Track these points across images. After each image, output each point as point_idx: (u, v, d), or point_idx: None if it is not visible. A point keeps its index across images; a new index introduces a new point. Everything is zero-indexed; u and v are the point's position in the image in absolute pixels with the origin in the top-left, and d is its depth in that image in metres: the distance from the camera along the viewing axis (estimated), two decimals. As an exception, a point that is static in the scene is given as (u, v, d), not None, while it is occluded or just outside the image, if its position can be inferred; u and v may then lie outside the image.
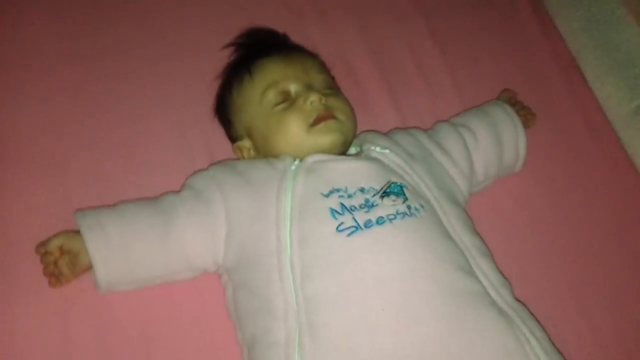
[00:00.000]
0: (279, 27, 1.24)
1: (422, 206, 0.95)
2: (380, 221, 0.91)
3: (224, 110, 1.14)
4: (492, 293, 0.92)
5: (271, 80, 1.05)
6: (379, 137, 1.09)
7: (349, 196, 0.93)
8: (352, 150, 1.08)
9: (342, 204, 0.92)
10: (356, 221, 0.90)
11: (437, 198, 1.00)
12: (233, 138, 1.13)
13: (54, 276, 0.96)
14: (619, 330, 1.10)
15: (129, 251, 0.95)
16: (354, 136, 1.08)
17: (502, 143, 1.15)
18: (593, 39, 1.29)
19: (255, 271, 0.92)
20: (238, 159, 1.11)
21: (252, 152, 1.09)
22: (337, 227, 0.90)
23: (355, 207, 0.92)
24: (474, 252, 0.96)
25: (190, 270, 0.99)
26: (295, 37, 1.23)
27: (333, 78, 1.16)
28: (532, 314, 0.94)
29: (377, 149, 1.04)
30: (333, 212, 0.91)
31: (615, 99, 1.26)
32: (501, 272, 0.97)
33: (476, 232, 1.01)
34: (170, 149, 1.17)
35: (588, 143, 1.29)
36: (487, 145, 1.14)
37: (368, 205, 0.92)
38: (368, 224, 0.90)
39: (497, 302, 0.91)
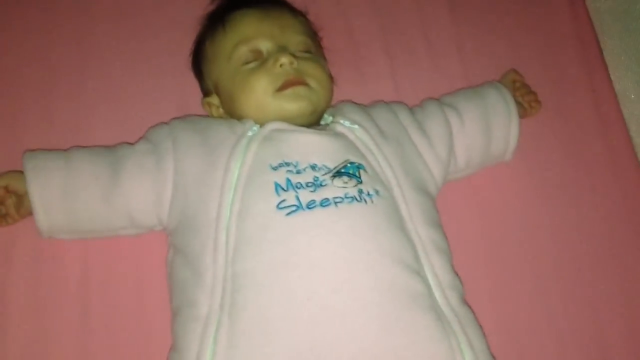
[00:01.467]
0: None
1: (377, 192, 0.88)
2: (324, 203, 0.84)
3: (197, 62, 1.09)
4: (437, 294, 0.85)
5: (243, 35, 0.98)
6: (355, 109, 1.01)
7: (298, 172, 0.87)
8: (329, 119, 1.01)
9: (288, 180, 0.86)
10: (299, 200, 0.84)
11: (401, 184, 0.92)
12: (204, 92, 1.08)
13: (0, 215, 0.94)
14: (584, 348, 1.01)
15: (71, 202, 0.92)
16: (327, 106, 1.01)
17: (491, 130, 1.05)
18: (619, 24, 1.15)
19: (192, 238, 0.88)
20: (207, 114, 1.06)
21: (220, 110, 1.03)
22: (277, 204, 0.84)
23: (302, 185, 0.86)
24: (428, 247, 0.89)
25: (134, 227, 0.96)
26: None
27: (318, 40, 1.08)
28: (477, 321, 0.87)
29: (346, 123, 0.96)
30: (277, 187, 0.85)
31: (632, 95, 1.13)
32: (454, 272, 0.90)
33: (438, 225, 0.94)
34: (143, 100, 1.13)
35: (595, 140, 1.16)
36: (474, 131, 1.04)
37: (315, 184, 0.86)
38: (310, 205, 0.84)
39: (440, 305, 0.84)
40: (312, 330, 0.78)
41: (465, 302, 0.88)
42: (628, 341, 1.01)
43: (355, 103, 1.04)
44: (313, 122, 0.98)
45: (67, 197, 0.92)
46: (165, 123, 1.01)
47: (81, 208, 0.92)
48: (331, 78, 1.02)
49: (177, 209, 0.91)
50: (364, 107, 1.03)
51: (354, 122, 0.97)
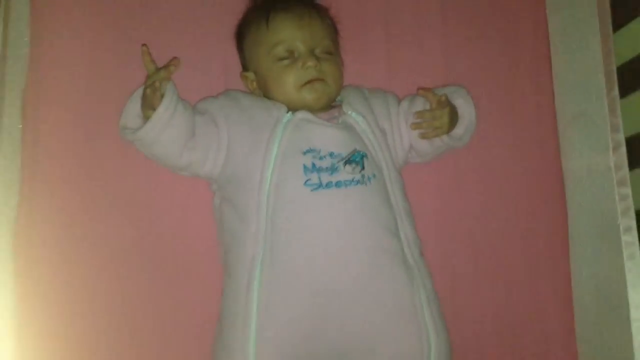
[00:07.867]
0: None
1: (374, 175, 1.23)
2: (338, 184, 1.19)
3: (240, 40, 1.38)
4: (406, 250, 1.24)
5: (282, 37, 1.28)
6: (358, 99, 1.33)
7: (320, 158, 1.21)
8: (340, 100, 1.33)
9: (313, 164, 1.20)
10: (320, 180, 1.19)
11: (388, 166, 1.28)
12: (242, 65, 1.38)
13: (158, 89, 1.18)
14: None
15: (168, 128, 1.20)
16: (338, 93, 1.33)
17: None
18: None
19: (241, 195, 1.22)
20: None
21: (254, 84, 1.34)
22: (305, 182, 1.19)
23: (322, 169, 1.20)
24: (403, 214, 1.26)
25: (189, 173, 1.29)
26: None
27: (337, 38, 1.38)
28: (428, 268, 1.27)
29: (353, 114, 1.29)
30: (305, 168, 1.20)
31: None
32: (416, 232, 1.28)
33: (406, 196, 1.30)
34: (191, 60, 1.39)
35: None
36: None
37: (332, 169, 1.20)
38: (329, 185, 1.19)
39: (407, 258, 1.23)
40: (327, 273, 1.16)
41: (422, 254, 1.28)
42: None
43: (358, 89, 1.37)
44: (329, 104, 1.31)
45: (168, 124, 1.19)
46: (215, 98, 1.32)
47: (170, 137, 1.21)
48: (342, 72, 1.33)
49: (228, 170, 1.25)
50: (365, 96, 1.35)
51: (358, 112, 1.30)
